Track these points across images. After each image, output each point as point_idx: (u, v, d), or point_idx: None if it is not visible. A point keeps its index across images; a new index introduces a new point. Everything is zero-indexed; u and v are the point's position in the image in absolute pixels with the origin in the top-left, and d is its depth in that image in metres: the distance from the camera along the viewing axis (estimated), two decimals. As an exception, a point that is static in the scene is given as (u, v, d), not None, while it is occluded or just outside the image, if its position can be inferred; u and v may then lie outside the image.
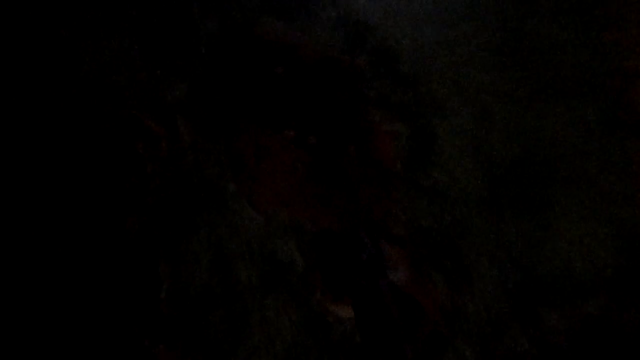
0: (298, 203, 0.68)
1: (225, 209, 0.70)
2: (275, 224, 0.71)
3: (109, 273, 0.69)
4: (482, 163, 0.73)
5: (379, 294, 0.71)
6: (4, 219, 0.63)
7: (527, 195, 0.72)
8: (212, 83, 0.68)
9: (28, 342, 0.63)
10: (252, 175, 0.67)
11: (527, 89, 0.71)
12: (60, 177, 0.65)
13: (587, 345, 0.71)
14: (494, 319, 0.72)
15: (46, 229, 0.65)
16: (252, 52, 0.69)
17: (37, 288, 0.64)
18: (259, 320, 0.72)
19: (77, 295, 0.67)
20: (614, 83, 0.68)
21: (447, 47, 0.71)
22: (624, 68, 0.67)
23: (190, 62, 0.69)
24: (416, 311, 0.71)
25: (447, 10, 0.71)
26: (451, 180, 0.73)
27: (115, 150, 0.69)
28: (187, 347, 0.72)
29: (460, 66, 0.71)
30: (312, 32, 0.70)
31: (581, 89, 0.70)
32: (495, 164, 0.73)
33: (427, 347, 0.71)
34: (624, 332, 0.71)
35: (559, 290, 0.71)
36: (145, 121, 0.69)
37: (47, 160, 0.65)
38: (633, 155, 0.68)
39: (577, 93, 0.71)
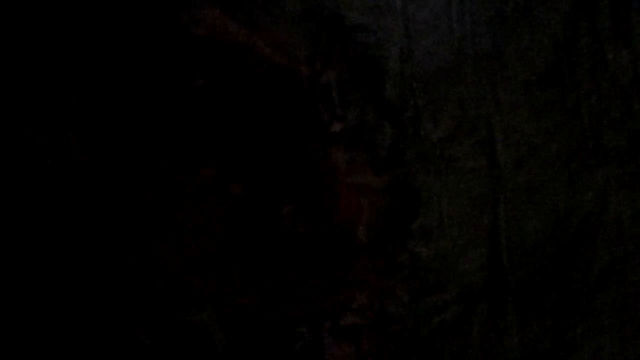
0: (213, 271, 0.48)
1: (128, 261, 0.52)
2: (188, 292, 0.52)
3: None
4: (486, 238, 0.51)
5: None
6: None
7: (544, 290, 0.50)
8: (112, 90, 0.47)
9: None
10: (161, 227, 0.48)
11: (565, 145, 0.48)
12: None
13: None
14: None
15: None
16: (172, 51, 0.47)
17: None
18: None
19: None
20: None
21: (455, 69, 0.47)
22: None
23: (80, 58, 0.48)
24: None
25: (466, 16, 0.46)
26: (439, 259, 0.51)
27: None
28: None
29: (471, 100, 0.47)
30: (264, 27, 0.47)
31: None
32: (505, 242, 0.51)
33: None
34: None
35: None
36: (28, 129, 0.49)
37: None
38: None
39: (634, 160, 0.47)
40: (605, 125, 0.49)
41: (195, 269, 0.51)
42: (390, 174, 0.50)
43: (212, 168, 0.48)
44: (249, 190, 0.48)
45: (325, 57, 0.49)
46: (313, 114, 0.49)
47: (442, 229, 0.51)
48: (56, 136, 0.51)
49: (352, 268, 0.51)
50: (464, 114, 0.49)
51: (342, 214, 0.50)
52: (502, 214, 0.50)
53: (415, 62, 0.49)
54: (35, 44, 0.49)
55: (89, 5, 0.48)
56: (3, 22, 0.49)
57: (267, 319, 0.52)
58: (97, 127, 0.50)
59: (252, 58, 0.49)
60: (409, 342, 0.52)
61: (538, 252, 0.50)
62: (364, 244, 0.51)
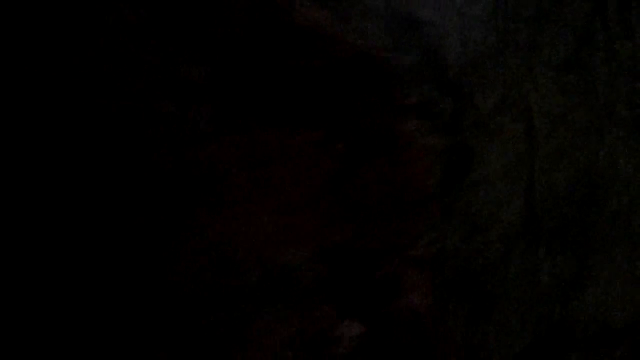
0: (313, 213, 0.61)
1: (236, 207, 0.64)
2: (288, 231, 0.64)
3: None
4: (524, 190, 0.65)
5: (391, 317, 0.65)
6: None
7: (568, 231, 0.64)
8: (238, 69, 0.60)
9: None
10: (269, 177, 0.60)
11: (585, 115, 0.62)
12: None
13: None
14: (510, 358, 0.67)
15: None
16: (287, 39, 0.60)
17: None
18: (260, 331, 0.67)
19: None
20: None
21: (501, 56, 0.61)
22: None
23: (213, 42, 0.60)
24: (429, 344, 0.65)
25: (509, 13, 0.60)
26: (487, 205, 0.65)
27: (122, 130, 0.62)
28: (180, 348, 0.68)
29: (514, 80, 0.61)
30: (353, 22, 0.61)
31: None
32: (539, 193, 0.65)
33: (435, 379, 0.66)
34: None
35: (592, 335, 0.65)
36: (157, 101, 0.61)
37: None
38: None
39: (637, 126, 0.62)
40: (614, 100, 0.64)
41: (298, 210, 0.63)
42: (451, 138, 0.64)
43: (322, 131, 0.61)
44: (348, 147, 0.61)
45: (401, 46, 0.63)
46: (393, 90, 0.63)
47: (489, 182, 0.65)
48: (182, 106, 0.63)
49: (421, 212, 0.64)
50: (507, 91, 0.63)
51: (415, 168, 0.63)
52: (537, 170, 0.64)
53: (469, 49, 0.63)
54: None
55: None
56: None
57: (354, 251, 0.64)
58: (220, 98, 0.63)
59: (346, 46, 0.62)
60: (461, 274, 0.66)
61: (564, 200, 0.64)
62: (430, 193, 0.64)
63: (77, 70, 0.56)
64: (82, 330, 0.60)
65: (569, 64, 0.63)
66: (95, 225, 0.59)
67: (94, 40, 0.56)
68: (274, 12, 0.61)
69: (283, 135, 0.62)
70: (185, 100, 0.63)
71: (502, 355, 0.66)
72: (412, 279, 0.65)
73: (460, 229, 0.65)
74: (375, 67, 0.63)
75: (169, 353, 0.67)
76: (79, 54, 0.56)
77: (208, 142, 0.63)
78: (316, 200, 0.63)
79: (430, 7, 0.63)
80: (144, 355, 0.64)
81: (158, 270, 0.65)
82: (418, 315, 0.65)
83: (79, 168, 0.58)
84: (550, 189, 0.64)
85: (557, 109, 0.63)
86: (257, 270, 0.67)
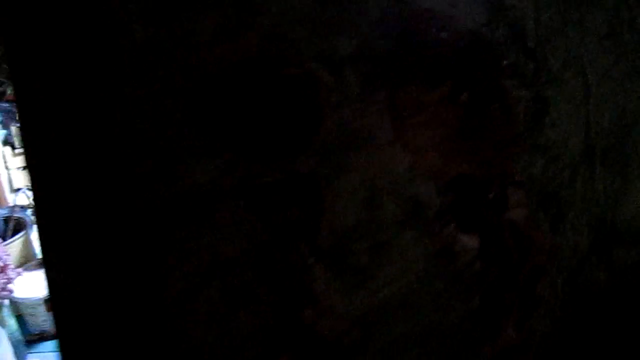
0: (447, 151, 0.81)
1: (380, 152, 0.82)
2: (420, 168, 0.83)
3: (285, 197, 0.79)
4: (582, 127, 0.89)
5: (500, 229, 0.86)
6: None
7: (613, 156, 0.89)
8: (379, 41, 0.79)
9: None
10: (409, 125, 0.79)
11: (622, 70, 0.88)
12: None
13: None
14: (579, 254, 0.90)
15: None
16: (418, 17, 0.79)
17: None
18: (398, 250, 0.86)
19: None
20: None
21: (563, 29, 0.85)
22: None
23: (360, 20, 0.79)
24: (527, 245, 0.87)
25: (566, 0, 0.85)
26: (559, 139, 0.88)
27: (294, 95, 0.78)
28: (339, 269, 0.84)
29: (572, 46, 0.85)
30: (460, 6, 0.82)
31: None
32: (592, 129, 0.89)
33: (532, 274, 0.88)
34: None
35: (631, 233, 0.90)
36: (320, 72, 0.78)
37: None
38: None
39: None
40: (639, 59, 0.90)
41: (434, 149, 0.83)
42: (533, 90, 0.87)
43: (449, 85, 0.81)
44: (469, 96, 0.82)
45: (496, 23, 0.85)
46: (493, 56, 0.85)
47: (560, 121, 0.88)
48: (338, 75, 0.81)
49: (516, 147, 0.86)
50: (568, 55, 0.88)
51: (512, 114, 0.85)
52: (592, 111, 0.89)
53: (542, 26, 0.87)
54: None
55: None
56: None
57: (470, 181, 0.85)
58: (366, 65, 0.81)
59: (458, 23, 0.83)
60: (544, 193, 0.88)
61: (611, 132, 0.89)
62: (521, 132, 0.86)
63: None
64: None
65: (607, 36, 0.88)
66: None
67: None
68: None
69: (420, 91, 0.82)
70: (338, 70, 0.81)
71: (576, 250, 0.90)
72: (514, 197, 0.86)
73: (540, 159, 0.88)
74: (480, 38, 0.84)
75: (335, 274, 0.83)
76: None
77: (359, 101, 0.81)
78: (443, 141, 0.83)
79: (513, -5, 0.86)
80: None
81: (327, 202, 0.81)
82: (518, 224, 0.87)
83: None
84: (599, 125, 0.89)
85: (602, 67, 0.88)
86: (395, 202, 0.85)
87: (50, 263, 0.77)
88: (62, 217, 0.76)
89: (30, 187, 0.76)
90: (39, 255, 2.12)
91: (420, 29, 0.81)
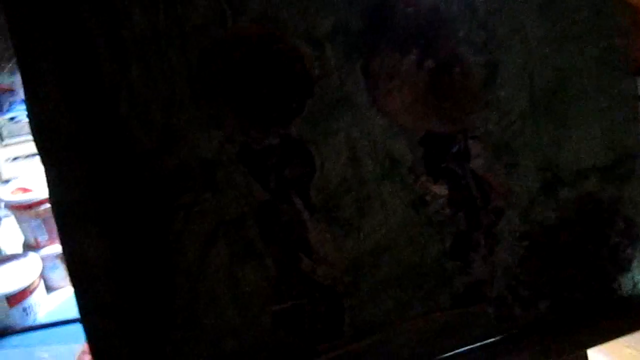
0: (416, 111, 0.93)
1: (360, 115, 0.93)
2: (394, 127, 0.95)
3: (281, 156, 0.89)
4: (527, 85, 1.03)
5: (465, 177, 1.00)
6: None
7: (555, 111, 1.04)
8: (354, 18, 0.90)
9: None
10: (385, 90, 0.91)
11: (556, 35, 1.02)
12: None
13: (586, 214, 1.07)
14: (530, 195, 1.05)
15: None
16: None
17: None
18: (379, 202, 0.97)
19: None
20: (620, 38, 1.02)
21: (512, 3, 0.98)
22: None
23: (336, 2, 0.89)
24: (488, 190, 1.01)
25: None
26: (508, 97, 1.02)
27: (283, 68, 0.88)
28: (330, 222, 0.95)
29: (518, 17, 0.99)
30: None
31: (592, 36, 1.03)
32: (535, 86, 1.04)
33: (492, 215, 1.02)
34: (607, 203, 1.08)
35: (570, 175, 1.06)
36: (303, 48, 0.88)
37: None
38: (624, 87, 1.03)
39: (590, 39, 1.03)
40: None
41: (406, 111, 0.95)
42: (485, 55, 1.00)
43: (415, 54, 0.93)
44: (435, 63, 0.94)
45: (450, 1, 0.97)
46: (450, 27, 0.97)
47: (509, 81, 1.02)
48: (318, 50, 0.91)
49: (474, 106, 0.99)
50: (513, 23, 1.01)
51: (468, 78, 0.98)
52: (534, 71, 1.03)
53: (493, 1, 1.00)
54: None
55: None
56: None
57: (438, 136, 0.97)
58: (343, 39, 0.92)
59: (418, 1, 0.95)
60: (499, 144, 1.02)
61: (551, 88, 1.04)
62: (477, 92, 1.00)
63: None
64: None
65: (546, 3, 1.02)
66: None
67: None
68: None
69: (391, 60, 0.93)
70: (319, 45, 0.91)
71: (528, 192, 1.04)
72: (474, 149, 1.00)
73: (494, 115, 1.02)
74: (439, 13, 0.96)
75: (326, 226, 0.94)
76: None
77: (339, 72, 0.92)
78: (413, 103, 0.95)
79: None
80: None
81: (317, 163, 0.92)
82: (479, 172, 1.00)
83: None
84: (541, 82, 1.03)
85: (541, 32, 1.02)
86: (374, 160, 0.96)
87: (69, 234, 0.84)
88: (77, 193, 0.83)
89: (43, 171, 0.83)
90: (4, 251, 2.12)
91: (389, 6, 0.92)
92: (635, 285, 1.11)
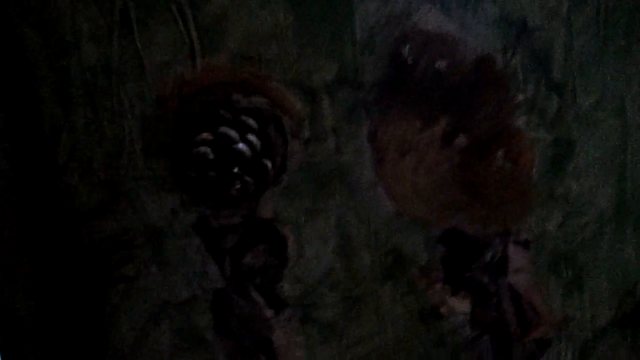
0: (436, 201, 0.68)
1: (359, 196, 0.70)
2: (405, 217, 0.71)
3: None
4: (615, 178, 0.73)
5: (497, 294, 0.73)
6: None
7: (652, 216, 0.72)
8: (361, 67, 0.66)
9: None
10: (394, 168, 0.67)
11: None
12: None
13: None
14: (596, 328, 0.75)
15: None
16: (409, 39, 0.66)
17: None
18: (375, 306, 0.75)
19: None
20: None
21: (599, 60, 0.68)
22: None
23: (342, 42, 0.66)
24: (530, 314, 0.74)
25: (606, 22, 0.68)
26: (583, 191, 0.73)
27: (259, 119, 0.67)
28: (303, 321, 0.74)
29: (611, 79, 0.69)
30: (469, 27, 0.67)
31: None
32: (628, 181, 0.73)
33: (534, 346, 0.75)
34: None
35: (665, 307, 0.74)
36: (292, 99, 0.67)
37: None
38: None
39: None
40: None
41: (421, 198, 0.70)
42: (555, 131, 0.71)
43: (442, 124, 0.67)
44: (468, 139, 0.68)
45: (513, 48, 0.69)
46: (506, 88, 0.70)
47: (588, 170, 0.72)
48: (312, 103, 0.69)
49: (526, 199, 0.72)
50: (605, 90, 0.71)
51: (525, 159, 0.70)
52: (629, 160, 0.72)
53: (573, 53, 0.70)
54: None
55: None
56: None
57: (466, 235, 0.72)
58: (345, 94, 0.69)
59: (463, 48, 0.69)
60: (560, 252, 0.74)
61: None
62: (535, 181, 0.72)
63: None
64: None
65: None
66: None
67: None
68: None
69: (409, 128, 0.69)
70: (313, 98, 0.69)
71: (594, 324, 0.75)
72: (516, 259, 0.72)
73: (558, 214, 0.73)
74: (490, 67, 0.69)
75: (299, 327, 0.74)
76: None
77: (337, 136, 0.70)
78: (434, 188, 0.70)
79: (541, 14, 0.69)
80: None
81: (292, 250, 0.72)
82: (520, 291, 0.73)
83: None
84: (638, 177, 0.72)
85: (649, 107, 0.71)
86: (373, 253, 0.74)
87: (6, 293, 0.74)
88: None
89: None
90: None
91: (415, 55, 0.68)
92: None
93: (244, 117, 0.64)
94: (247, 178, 0.65)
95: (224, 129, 0.63)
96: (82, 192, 0.71)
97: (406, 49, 0.67)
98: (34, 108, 0.69)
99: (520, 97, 0.70)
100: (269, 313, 0.73)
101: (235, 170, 0.64)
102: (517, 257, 0.71)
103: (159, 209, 0.71)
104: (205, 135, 0.64)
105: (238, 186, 0.66)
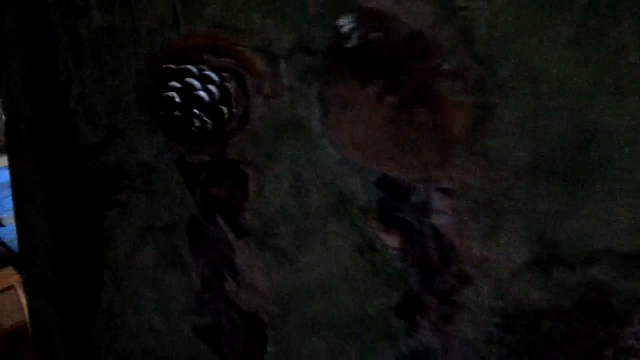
0: (370, 150, 0.82)
1: (308, 144, 0.85)
2: (347, 163, 0.85)
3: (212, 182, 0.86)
4: (529, 138, 0.85)
5: (421, 233, 0.87)
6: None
7: (564, 174, 0.84)
8: (313, 37, 0.80)
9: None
10: (336, 121, 0.81)
11: (583, 82, 0.81)
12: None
13: (588, 305, 0.87)
14: (512, 268, 0.88)
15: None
16: (350, 14, 0.80)
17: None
18: (321, 238, 0.89)
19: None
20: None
21: (522, 34, 0.80)
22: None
23: (298, 16, 0.80)
24: (450, 252, 0.87)
25: (523, 3, 0.80)
26: (501, 148, 0.85)
27: (228, 79, 0.83)
28: (261, 249, 0.90)
29: (527, 52, 0.81)
30: (406, 4, 0.80)
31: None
32: (541, 141, 0.85)
33: (454, 280, 0.88)
34: (620, 297, 0.86)
35: (572, 255, 0.86)
36: (256, 61, 0.82)
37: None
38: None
39: (634, 93, 0.81)
40: (603, 71, 0.83)
41: (359, 147, 0.84)
42: (475, 96, 0.84)
43: (380, 86, 0.81)
44: (399, 100, 0.82)
45: (441, 25, 0.82)
46: (433, 58, 0.83)
47: (505, 130, 0.84)
48: (273, 67, 0.84)
49: (446, 149, 0.85)
50: (521, 61, 0.83)
51: (448, 119, 0.84)
52: (542, 122, 0.84)
53: (495, 29, 0.82)
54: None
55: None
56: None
57: (397, 181, 0.86)
58: (300, 60, 0.83)
59: (399, 23, 0.82)
60: (479, 201, 0.86)
61: (563, 146, 0.84)
62: (457, 138, 0.85)
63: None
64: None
65: (568, 42, 0.82)
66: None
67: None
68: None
69: (349, 89, 0.83)
70: (274, 61, 0.84)
71: (509, 266, 0.88)
72: (439, 204, 0.86)
73: (478, 167, 0.86)
74: (420, 40, 0.83)
75: (257, 252, 0.89)
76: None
77: (291, 93, 0.84)
78: (370, 140, 0.84)
79: (466, -4, 0.82)
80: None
81: (252, 186, 0.87)
82: (442, 231, 0.86)
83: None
84: (550, 137, 0.84)
85: (559, 77, 0.82)
86: (321, 193, 0.88)
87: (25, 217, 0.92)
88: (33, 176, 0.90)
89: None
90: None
91: (353, 27, 0.82)
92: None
93: (207, 72, 0.80)
94: (205, 119, 0.81)
95: (189, 80, 0.79)
96: (87, 132, 0.89)
97: (346, 22, 0.81)
98: (51, 62, 0.87)
99: (446, 66, 0.83)
100: (231, 237, 0.89)
101: (195, 111, 0.80)
102: (439, 202, 0.85)
103: (148, 148, 0.88)
104: (173, 83, 0.80)
105: (197, 124, 0.81)
